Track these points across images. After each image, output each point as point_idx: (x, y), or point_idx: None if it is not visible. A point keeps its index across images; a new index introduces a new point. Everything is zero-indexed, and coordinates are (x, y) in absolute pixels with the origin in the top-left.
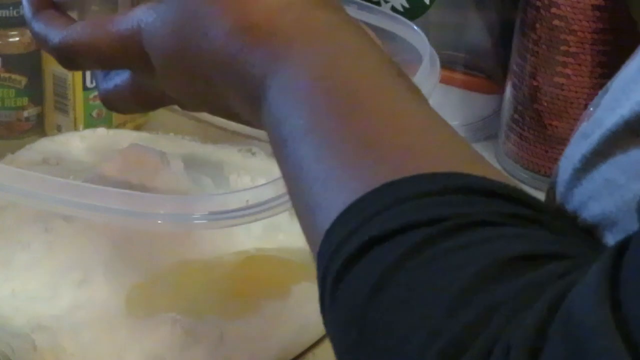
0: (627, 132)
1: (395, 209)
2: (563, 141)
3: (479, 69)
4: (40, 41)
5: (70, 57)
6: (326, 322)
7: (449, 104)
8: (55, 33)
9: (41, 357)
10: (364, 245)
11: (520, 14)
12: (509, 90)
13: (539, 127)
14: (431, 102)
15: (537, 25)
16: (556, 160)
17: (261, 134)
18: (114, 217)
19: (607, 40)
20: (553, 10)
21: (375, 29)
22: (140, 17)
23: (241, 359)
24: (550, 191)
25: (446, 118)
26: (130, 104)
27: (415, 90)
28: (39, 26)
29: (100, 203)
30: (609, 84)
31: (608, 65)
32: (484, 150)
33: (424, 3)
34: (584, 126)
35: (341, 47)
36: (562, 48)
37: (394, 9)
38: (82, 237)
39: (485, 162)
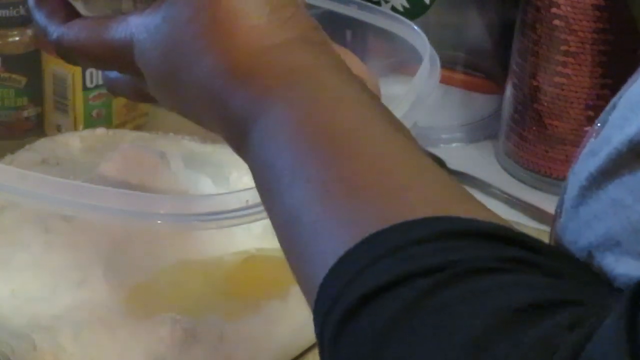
0: (633, 153)
1: (387, 260)
2: (563, 141)
3: (479, 69)
4: (41, 31)
5: (67, 54)
6: None
7: (449, 104)
8: (54, 27)
9: (41, 357)
10: (358, 302)
11: (520, 14)
12: (509, 90)
13: (539, 127)
14: (431, 102)
15: (537, 25)
16: (556, 160)
17: None
18: (114, 217)
19: (607, 40)
20: (553, 10)
21: (375, 29)
22: (133, 30)
23: (241, 359)
24: (557, 209)
25: (446, 118)
26: (132, 95)
27: (399, 127)
28: (40, 16)
29: (100, 203)
30: (615, 99)
31: (608, 65)
32: (484, 150)
33: (424, 3)
34: (592, 143)
35: (323, 90)
36: (562, 48)
37: (394, 9)
38: (82, 237)
39: (474, 200)
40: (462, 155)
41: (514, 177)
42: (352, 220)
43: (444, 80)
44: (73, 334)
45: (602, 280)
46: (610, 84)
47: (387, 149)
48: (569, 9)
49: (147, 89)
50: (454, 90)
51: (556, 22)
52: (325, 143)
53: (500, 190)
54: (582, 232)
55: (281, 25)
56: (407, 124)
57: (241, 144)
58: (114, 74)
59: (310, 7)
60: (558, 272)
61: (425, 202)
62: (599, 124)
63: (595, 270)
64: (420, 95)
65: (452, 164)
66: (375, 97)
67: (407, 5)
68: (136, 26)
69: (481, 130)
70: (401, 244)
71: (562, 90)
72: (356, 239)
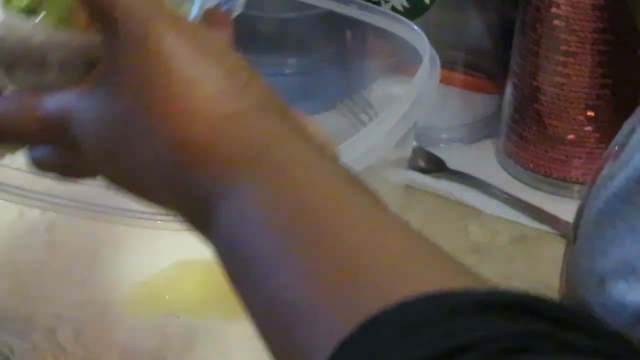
0: None
1: (400, 344)
2: (563, 141)
3: (479, 69)
4: None
5: None
6: None
7: (449, 104)
8: None
9: (41, 357)
10: None
11: (520, 14)
12: (509, 90)
13: (539, 127)
14: (431, 102)
15: (537, 25)
16: (556, 160)
17: None
18: (114, 217)
19: (607, 40)
20: (553, 10)
21: (376, 29)
22: (72, 103)
23: (241, 359)
24: (572, 232)
25: (446, 118)
26: (62, 170)
27: (377, 200)
28: None
29: (100, 203)
30: (634, 121)
31: (608, 65)
32: (484, 150)
33: (424, 3)
34: (609, 166)
35: (290, 162)
36: (562, 48)
37: (394, 9)
38: (82, 237)
39: (474, 272)
40: (462, 155)
41: (514, 177)
42: (350, 300)
43: (444, 80)
44: (73, 334)
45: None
46: (610, 84)
47: (373, 223)
48: (569, 9)
49: (80, 164)
50: (454, 90)
51: (556, 22)
52: (305, 223)
53: (500, 190)
54: (596, 258)
55: (238, 92)
56: (407, 124)
57: (204, 224)
58: (40, 150)
59: (310, 7)
60: (590, 348)
61: (427, 276)
62: (616, 147)
63: (604, 299)
64: (420, 95)
65: (452, 164)
66: (336, 160)
67: (407, 5)
68: (75, 98)
69: (481, 130)
70: (414, 323)
71: (562, 90)
72: (357, 320)
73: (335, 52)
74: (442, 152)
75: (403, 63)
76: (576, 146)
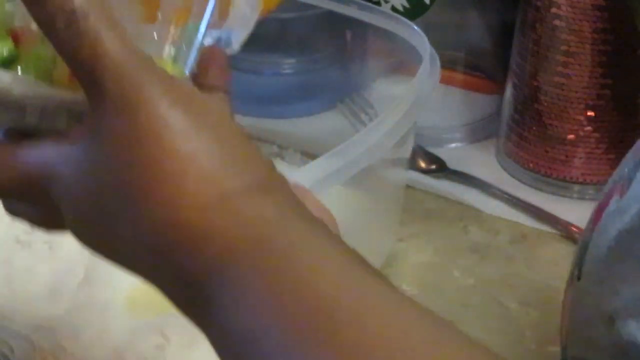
0: None
1: None
2: (563, 141)
3: (479, 69)
4: None
5: None
6: None
7: (449, 104)
8: None
9: (41, 357)
10: None
11: (520, 14)
12: (509, 90)
13: (539, 127)
14: (431, 102)
15: (537, 25)
16: (556, 160)
17: (262, 135)
18: None
19: (607, 40)
20: (553, 10)
21: (376, 29)
22: (52, 160)
23: None
24: (575, 270)
25: (446, 118)
26: (40, 224)
27: (384, 281)
28: None
29: None
30: (638, 156)
31: (608, 65)
32: (484, 150)
33: (424, 3)
34: (617, 201)
35: (292, 246)
36: (562, 48)
37: (394, 9)
38: None
39: (488, 350)
40: (462, 155)
41: (514, 177)
42: None
43: (444, 80)
44: (73, 334)
45: None
46: (610, 84)
47: (383, 306)
48: (569, 9)
49: (58, 220)
50: (454, 90)
51: (556, 22)
52: (314, 310)
53: (500, 190)
54: (606, 296)
55: (236, 168)
56: (407, 124)
57: (197, 309)
58: (15, 202)
59: (310, 7)
60: None
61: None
62: (621, 182)
63: (613, 339)
64: (420, 95)
65: (452, 164)
66: (340, 240)
67: (407, 5)
68: (56, 156)
69: (481, 130)
70: None
71: (562, 90)
72: None
73: (335, 52)
74: (442, 152)
75: (403, 63)
76: (576, 146)
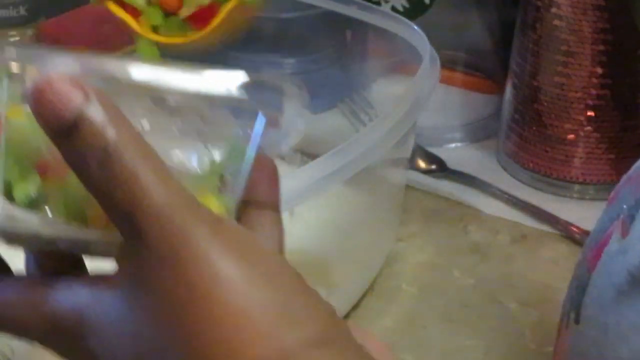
0: None
1: None
2: (563, 141)
3: (479, 69)
4: None
5: None
6: None
7: (449, 104)
8: None
9: (41, 357)
10: None
11: (520, 14)
12: (509, 90)
13: (539, 127)
14: (431, 102)
15: (537, 25)
16: (556, 160)
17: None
18: None
19: (607, 40)
20: (553, 10)
21: (376, 29)
22: (83, 303)
23: None
24: (571, 313)
25: (446, 118)
26: None
27: None
28: None
29: None
30: (639, 195)
31: (608, 65)
32: (484, 150)
33: (424, 3)
34: (619, 241)
35: None
36: (562, 48)
37: (394, 9)
38: None
39: None
40: (462, 155)
41: (514, 177)
42: None
43: (444, 80)
44: None
45: None
46: (610, 84)
47: None
48: (569, 8)
49: None
50: (454, 90)
51: (556, 22)
52: None
53: (500, 190)
54: (612, 344)
55: (293, 322)
56: (407, 124)
57: None
58: None
59: (310, 7)
60: None
61: None
62: (621, 216)
63: None
64: (420, 95)
65: (452, 164)
66: None
67: (407, 5)
68: (90, 303)
69: (481, 130)
70: None
71: (562, 90)
72: None
73: (335, 52)
74: (442, 152)
75: (403, 63)
76: (576, 146)
